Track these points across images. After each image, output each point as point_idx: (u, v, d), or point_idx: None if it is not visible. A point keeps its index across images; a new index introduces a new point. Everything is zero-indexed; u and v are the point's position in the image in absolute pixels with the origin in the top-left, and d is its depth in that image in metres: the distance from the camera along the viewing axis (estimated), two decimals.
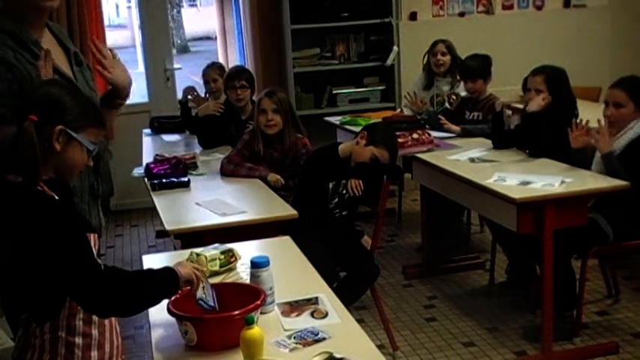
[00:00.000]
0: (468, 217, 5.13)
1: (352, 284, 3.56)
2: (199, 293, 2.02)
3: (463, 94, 5.08)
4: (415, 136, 4.23)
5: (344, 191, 3.69)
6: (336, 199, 3.71)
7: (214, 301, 2.05)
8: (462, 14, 6.42)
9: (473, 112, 4.73)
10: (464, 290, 4.44)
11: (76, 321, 1.84)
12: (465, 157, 4.03)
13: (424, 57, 5.35)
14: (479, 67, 4.62)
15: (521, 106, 4.36)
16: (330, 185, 3.68)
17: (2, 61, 2.20)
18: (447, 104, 5.20)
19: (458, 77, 5.15)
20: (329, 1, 6.02)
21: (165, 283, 1.93)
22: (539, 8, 6.61)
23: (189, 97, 5.39)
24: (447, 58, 5.21)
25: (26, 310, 1.85)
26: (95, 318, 1.88)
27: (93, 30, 5.87)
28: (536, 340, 3.63)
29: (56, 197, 1.81)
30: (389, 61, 6.08)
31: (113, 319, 1.96)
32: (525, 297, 4.11)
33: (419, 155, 4.20)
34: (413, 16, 6.28)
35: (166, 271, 1.96)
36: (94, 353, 1.89)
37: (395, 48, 6.07)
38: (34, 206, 1.75)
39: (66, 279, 1.75)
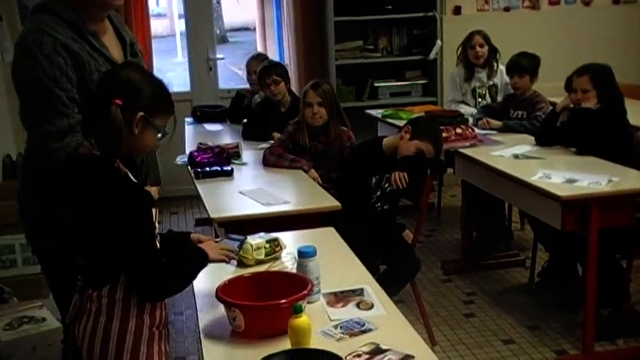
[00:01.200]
0: (509, 214, 5.09)
1: (393, 278, 3.55)
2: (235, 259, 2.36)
3: (502, 82, 5.13)
4: (459, 131, 4.21)
5: (386, 185, 3.69)
6: (379, 193, 3.70)
7: (241, 242, 2.42)
8: (507, 9, 6.35)
9: (517, 111, 4.69)
10: (503, 287, 4.42)
11: None
12: (509, 154, 4.00)
13: (458, 49, 5.31)
14: (528, 64, 4.57)
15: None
16: (373, 179, 3.68)
17: (67, 49, 2.22)
18: (487, 97, 5.19)
19: (495, 67, 5.18)
20: None
21: (199, 266, 2.08)
22: (586, 4, 6.50)
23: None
24: (485, 49, 5.18)
25: (86, 274, 1.97)
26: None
27: (138, 19, 5.94)
28: (577, 339, 3.59)
29: (130, 174, 1.94)
30: (432, 55, 6.05)
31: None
32: (566, 296, 4.07)
33: (462, 150, 4.18)
34: (457, 11, 6.22)
35: (200, 255, 2.11)
36: (147, 318, 1.97)
37: (438, 42, 6.04)
38: (113, 181, 1.90)
39: (124, 257, 1.88)
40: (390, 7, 6.03)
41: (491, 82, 5.22)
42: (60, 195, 2.00)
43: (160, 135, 2.02)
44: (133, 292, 1.94)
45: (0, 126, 4.84)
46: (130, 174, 1.98)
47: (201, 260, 2.10)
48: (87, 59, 2.26)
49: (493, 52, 5.19)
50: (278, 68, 4.82)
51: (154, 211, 2.00)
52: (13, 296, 3.62)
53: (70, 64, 2.22)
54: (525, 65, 4.58)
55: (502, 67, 5.17)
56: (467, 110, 5.05)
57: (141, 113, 1.93)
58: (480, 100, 5.23)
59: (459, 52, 5.30)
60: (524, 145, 4.16)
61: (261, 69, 4.83)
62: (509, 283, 4.47)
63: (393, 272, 3.58)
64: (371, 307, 2.17)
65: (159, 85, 2.02)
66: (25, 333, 3.08)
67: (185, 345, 3.85)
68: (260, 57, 5.50)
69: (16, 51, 2.25)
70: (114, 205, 1.87)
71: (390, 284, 3.40)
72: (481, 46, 5.17)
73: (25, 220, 2.45)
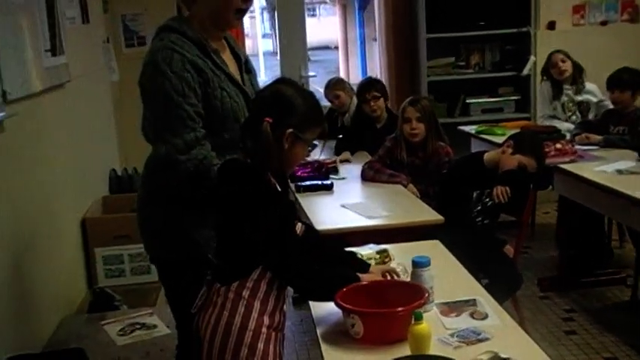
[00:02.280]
0: (608, 231, 4.99)
1: (494, 292, 3.52)
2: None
3: (594, 99, 5.12)
4: (558, 146, 4.18)
5: (487, 199, 3.68)
6: (479, 207, 3.70)
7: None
8: (604, 23, 6.20)
9: (618, 127, 4.61)
10: (604, 305, 4.33)
11: (261, 284, 2.04)
12: (612, 169, 3.94)
13: (542, 73, 5.32)
14: (630, 80, 4.51)
15: None
16: (474, 194, 3.68)
17: (194, 66, 2.32)
18: (577, 112, 5.14)
19: (581, 83, 5.18)
20: (466, 10, 6.00)
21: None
22: None
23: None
24: (568, 63, 5.18)
25: (217, 270, 2.10)
26: (275, 287, 2.05)
27: (235, 38, 6.10)
28: None
29: (278, 186, 2.05)
30: (525, 71, 6.01)
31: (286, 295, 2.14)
32: None
33: (562, 166, 4.14)
34: (551, 26, 6.14)
35: (352, 279, 2.17)
36: (266, 318, 2.05)
37: (532, 58, 5.98)
38: (262, 190, 2.01)
39: (270, 253, 2.01)
40: (482, 23, 6.01)
41: (580, 98, 5.17)
42: (187, 203, 2.14)
43: (310, 148, 2.11)
44: (258, 292, 2.03)
45: (107, 142, 5.06)
46: (277, 186, 2.07)
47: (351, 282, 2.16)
48: (211, 76, 2.35)
49: (577, 68, 5.17)
50: (378, 84, 4.89)
51: (299, 224, 2.12)
52: (123, 304, 3.76)
53: (197, 80, 2.31)
54: (627, 80, 4.51)
55: (593, 86, 5.15)
56: (562, 126, 5.00)
57: (290, 130, 2.02)
58: (569, 114, 5.19)
59: (542, 75, 5.31)
60: (626, 160, 4.10)
61: (362, 85, 4.91)
62: (610, 301, 4.38)
63: (495, 287, 3.55)
64: (485, 317, 2.19)
65: (310, 100, 2.10)
66: (138, 338, 3.20)
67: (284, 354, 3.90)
68: (331, 82, 5.54)
69: (146, 68, 2.34)
70: (261, 212, 1.98)
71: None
72: (563, 61, 5.16)
73: (146, 231, 2.54)
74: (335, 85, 5.47)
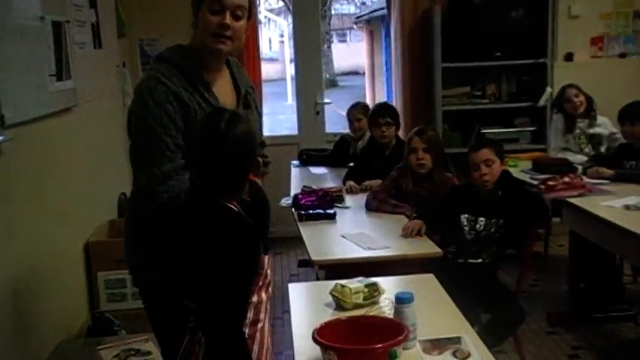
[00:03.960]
0: (620, 267, 4.89)
1: (496, 327, 3.47)
2: None
3: (606, 132, 5.11)
4: (566, 179, 4.13)
5: (480, 227, 3.64)
6: (473, 236, 3.66)
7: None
8: (622, 55, 6.14)
9: (631, 161, 4.54)
10: (612, 343, 4.23)
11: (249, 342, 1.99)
12: (620, 204, 3.87)
13: (552, 106, 5.28)
14: None
15: None
16: (463, 218, 3.65)
17: (178, 98, 2.33)
18: (589, 145, 5.11)
19: (594, 115, 5.20)
20: (482, 40, 5.97)
21: None
22: None
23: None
24: (582, 97, 5.19)
25: (197, 316, 2.03)
26: (258, 335, 2.02)
27: (250, 63, 6.13)
28: None
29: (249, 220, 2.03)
30: (541, 102, 5.97)
31: (269, 343, 2.10)
32: None
33: (569, 200, 4.08)
34: (569, 57, 6.10)
35: None
36: None
37: (548, 89, 5.94)
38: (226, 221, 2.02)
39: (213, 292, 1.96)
40: (499, 54, 5.98)
41: (592, 131, 5.15)
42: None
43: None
44: None
45: (118, 165, 5.09)
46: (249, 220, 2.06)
47: None
48: (195, 109, 2.36)
49: (589, 101, 5.18)
50: (393, 111, 4.83)
51: (266, 258, 2.07)
52: (122, 329, 3.76)
53: (178, 112, 2.32)
54: (639, 113, 4.45)
55: (605, 119, 5.12)
56: (575, 158, 4.96)
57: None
58: (582, 147, 5.15)
59: (553, 109, 5.31)
60: (636, 195, 4.01)
61: (377, 109, 4.89)
62: (618, 339, 4.28)
63: (497, 322, 3.50)
64: (467, 356, 2.14)
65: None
66: None
67: None
68: (360, 105, 5.54)
69: (134, 97, 2.39)
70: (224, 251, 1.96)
71: (493, 334, 3.33)
72: (577, 95, 5.18)
73: (128, 254, 2.56)
74: (361, 109, 5.44)
